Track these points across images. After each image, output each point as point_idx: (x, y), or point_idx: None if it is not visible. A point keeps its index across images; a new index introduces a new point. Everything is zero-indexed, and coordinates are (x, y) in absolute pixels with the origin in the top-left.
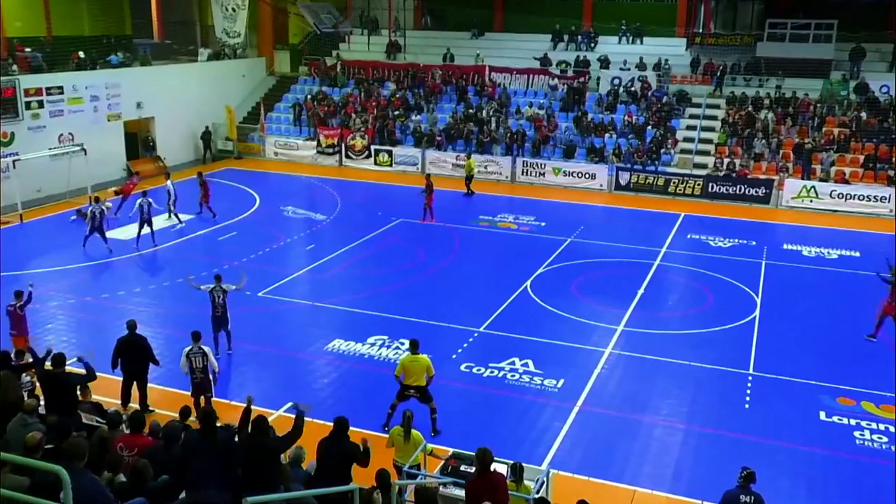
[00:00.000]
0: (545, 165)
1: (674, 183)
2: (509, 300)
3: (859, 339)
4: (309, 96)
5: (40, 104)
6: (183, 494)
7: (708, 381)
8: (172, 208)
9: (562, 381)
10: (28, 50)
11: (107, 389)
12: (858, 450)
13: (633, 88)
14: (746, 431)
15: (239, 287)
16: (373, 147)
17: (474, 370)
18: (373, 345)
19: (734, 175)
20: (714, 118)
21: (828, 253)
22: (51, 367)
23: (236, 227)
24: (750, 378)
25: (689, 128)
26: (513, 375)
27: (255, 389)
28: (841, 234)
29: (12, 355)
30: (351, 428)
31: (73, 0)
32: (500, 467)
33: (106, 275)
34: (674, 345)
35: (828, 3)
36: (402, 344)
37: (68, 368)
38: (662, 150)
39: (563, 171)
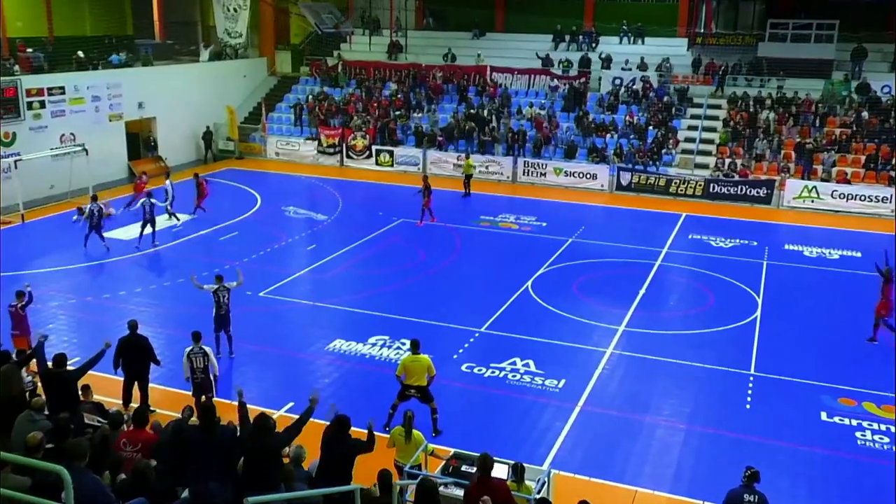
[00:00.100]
0: (546, 166)
1: (675, 183)
2: (510, 300)
3: (860, 339)
4: (310, 96)
5: (42, 104)
6: (185, 494)
7: (709, 382)
8: (170, 208)
9: (563, 382)
10: (30, 50)
11: (108, 390)
12: (860, 450)
13: (634, 87)
14: (747, 432)
15: (239, 284)
16: (374, 147)
17: (475, 370)
18: (374, 345)
19: (735, 175)
20: (715, 118)
21: (829, 253)
22: (52, 367)
23: (237, 227)
24: (751, 378)
25: (690, 128)
26: (514, 376)
27: (256, 389)
28: (842, 235)
29: (13, 356)
30: (352, 428)
31: (74, 0)
32: (501, 468)
33: (107, 275)
34: (675, 345)
35: (829, 3)
36: (404, 344)
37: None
38: (664, 151)
39: (565, 172)
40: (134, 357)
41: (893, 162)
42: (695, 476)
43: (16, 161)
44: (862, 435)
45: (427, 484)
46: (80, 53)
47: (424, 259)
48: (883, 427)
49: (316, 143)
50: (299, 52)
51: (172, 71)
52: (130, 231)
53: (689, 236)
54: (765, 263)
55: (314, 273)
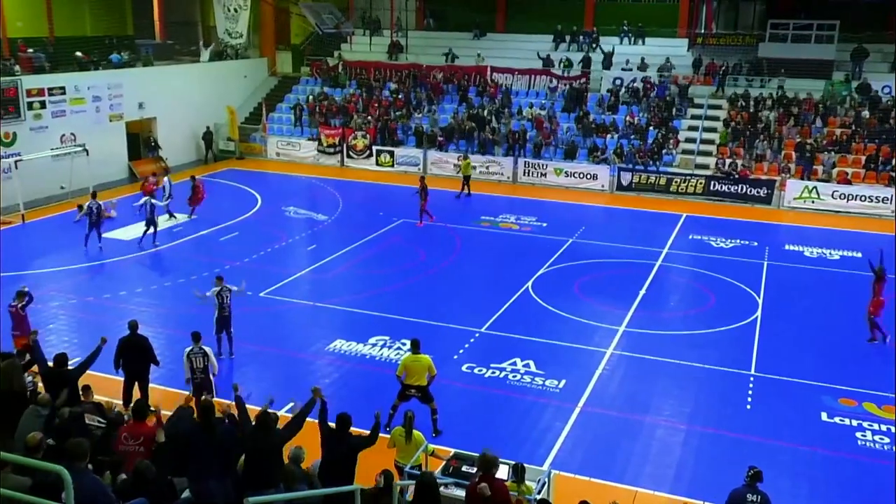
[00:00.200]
0: (546, 166)
1: (675, 183)
2: (511, 300)
3: (861, 340)
4: (311, 97)
5: (42, 104)
6: (185, 494)
7: (709, 382)
8: (165, 202)
9: (563, 382)
10: (30, 51)
11: (108, 390)
12: (860, 451)
13: (635, 85)
14: (748, 432)
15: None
16: (374, 147)
17: (476, 371)
18: (374, 345)
19: (736, 175)
20: (716, 119)
21: (829, 254)
22: (53, 367)
23: (238, 227)
24: (751, 379)
25: (690, 128)
26: (514, 376)
27: (257, 390)
28: (842, 235)
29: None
30: (353, 428)
31: (74, 1)
32: (501, 468)
33: (107, 275)
34: (675, 345)
35: (829, 3)
36: (404, 344)
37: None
38: (664, 151)
39: (565, 172)
40: (134, 357)
41: (894, 162)
42: (695, 476)
43: (16, 161)
44: (862, 435)
45: (427, 479)
46: (79, 53)
47: (425, 259)
48: (883, 427)
49: (316, 143)
50: (300, 53)
51: (173, 71)
52: (130, 231)
53: (690, 236)
54: (765, 264)
55: (315, 273)
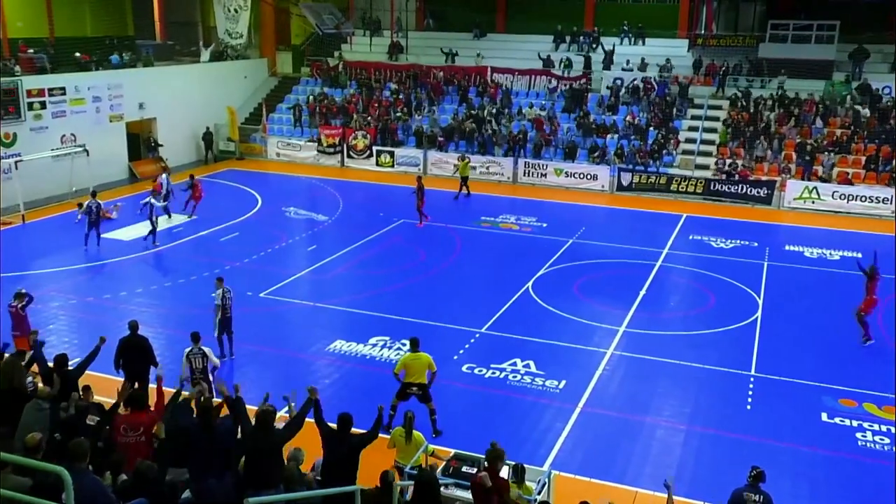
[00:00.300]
0: (547, 166)
1: (675, 183)
2: (511, 301)
3: (861, 340)
4: (311, 97)
5: (42, 105)
6: (185, 494)
7: (709, 383)
8: (164, 202)
9: (563, 382)
10: (31, 51)
11: (108, 390)
12: (860, 451)
13: (635, 83)
14: (748, 432)
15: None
16: (374, 148)
17: (476, 371)
18: (374, 345)
19: (736, 176)
20: (716, 119)
21: (829, 254)
22: (53, 367)
23: (238, 227)
24: (751, 379)
25: (691, 129)
26: (514, 376)
27: (257, 390)
28: (843, 236)
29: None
30: (353, 429)
31: (75, 1)
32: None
33: (108, 275)
34: (675, 346)
35: (830, 4)
36: (404, 345)
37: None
38: (664, 151)
39: (565, 172)
40: (134, 358)
41: (894, 163)
42: (695, 477)
43: (16, 162)
44: (862, 436)
45: (426, 476)
46: (78, 54)
47: (425, 260)
48: (883, 428)
49: (316, 143)
50: (300, 53)
51: (173, 71)
52: (131, 232)
53: (690, 237)
54: (765, 264)
55: (315, 274)
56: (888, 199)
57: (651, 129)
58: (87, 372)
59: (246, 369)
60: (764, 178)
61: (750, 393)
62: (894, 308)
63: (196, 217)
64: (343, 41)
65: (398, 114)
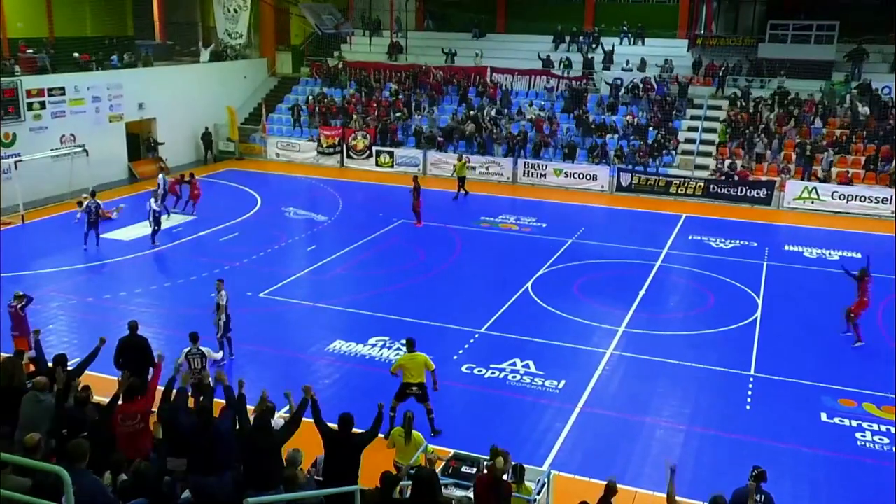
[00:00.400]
0: (546, 166)
1: (675, 184)
2: (510, 301)
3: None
4: (311, 97)
5: (42, 105)
6: (185, 494)
7: (709, 383)
8: (161, 204)
9: (563, 383)
10: (31, 51)
11: (108, 390)
12: (860, 451)
13: (635, 81)
14: (748, 433)
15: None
16: (374, 148)
17: (475, 371)
18: (374, 346)
19: (735, 176)
20: (715, 119)
21: (829, 254)
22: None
23: (238, 227)
24: (751, 379)
25: (690, 129)
26: (514, 377)
27: (256, 390)
28: (842, 236)
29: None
30: (353, 430)
31: (75, 1)
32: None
33: (107, 275)
34: (675, 346)
35: (829, 4)
36: (404, 345)
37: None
38: (664, 151)
39: (565, 172)
40: (133, 358)
41: (894, 163)
42: (695, 477)
43: (16, 162)
44: (862, 436)
45: (424, 474)
46: (76, 55)
47: (424, 260)
48: (883, 428)
49: (316, 143)
50: (300, 53)
51: (173, 72)
52: (131, 232)
53: (689, 237)
54: (765, 264)
55: (314, 274)
56: (888, 199)
57: (651, 129)
58: (86, 372)
59: (246, 369)
60: (763, 178)
61: (749, 393)
62: (894, 308)
63: (196, 217)
64: (343, 41)
65: (398, 114)
